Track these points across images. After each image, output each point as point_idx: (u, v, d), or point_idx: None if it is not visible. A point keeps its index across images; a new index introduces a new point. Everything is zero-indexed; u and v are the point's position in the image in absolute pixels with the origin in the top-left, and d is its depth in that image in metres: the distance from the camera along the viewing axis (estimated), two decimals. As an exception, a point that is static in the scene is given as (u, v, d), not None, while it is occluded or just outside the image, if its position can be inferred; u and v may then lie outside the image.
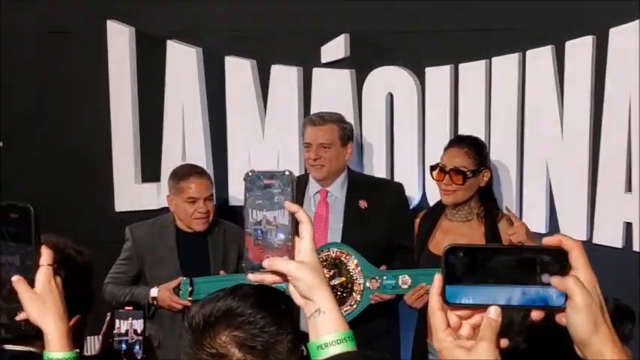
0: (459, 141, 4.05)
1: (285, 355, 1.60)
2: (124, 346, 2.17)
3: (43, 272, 1.57)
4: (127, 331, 2.18)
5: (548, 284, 1.25)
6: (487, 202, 4.01)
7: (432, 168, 4.04)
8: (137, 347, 2.17)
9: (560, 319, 1.26)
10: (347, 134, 4.21)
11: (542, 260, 1.26)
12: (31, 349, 1.90)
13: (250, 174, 1.49)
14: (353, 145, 4.27)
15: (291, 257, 1.45)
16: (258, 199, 1.44)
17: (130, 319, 2.19)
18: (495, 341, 1.27)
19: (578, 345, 1.26)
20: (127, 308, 2.25)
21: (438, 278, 1.30)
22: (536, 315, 1.27)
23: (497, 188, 4.33)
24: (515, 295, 1.27)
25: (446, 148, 4.03)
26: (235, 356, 1.57)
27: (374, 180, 4.41)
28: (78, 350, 1.61)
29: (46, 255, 1.57)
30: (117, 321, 2.21)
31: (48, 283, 1.57)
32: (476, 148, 3.99)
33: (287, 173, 1.48)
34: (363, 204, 4.15)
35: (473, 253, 1.29)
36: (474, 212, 4.01)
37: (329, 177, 4.18)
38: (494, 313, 1.27)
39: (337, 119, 4.22)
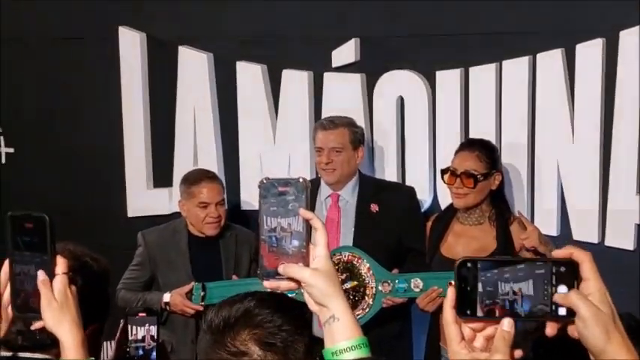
0: (469, 144, 4.06)
1: (302, 356, 1.63)
2: (140, 352, 2.18)
3: (59, 280, 1.58)
4: (143, 337, 2.19)
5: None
6: (499, 205, 4.02)
7: (443, 172, 4.05)
8: (154, 354, 2.18)
9: (573, 332, 1.28)
10: (358, 138, 4.22)
11: (553, 272, 1.28)
12: (47, 356, 1.92)
13: (265, 181, 1.50)
14: (364, 148, 4.28)
15: (306, 264, 1.46)
16: (273, 207, 1.45)
17: (147, 325, 2.20)
18: (509, 353, 1.29)
19: (592, 355, 1.27)
20: (140, 314, 2.25)
21: (451, 291, 1.32)
22: (550, 329, 1.29)
23: (508, 191, 4.33)
24: (527, 307, 1.29)
25: (457, 152, 4.04)
26: (256, 354, 1.59)
27: (385, 183, 4.43)
28: (93, 358, 1.62)
29: (61, 263, 1.59)
30: (132, 327, 2.22)
31: (64, 291, 1.58)
32: (487, 152, 3.99)
33: (301, 180, 1.49)
34: (374, 207, 4.16)
35: (485, 264, 1.31)
36: (485, 215, 4.01)
37: (341, 181, 4.19)
38: (507, 325, 1.29)
39: (348, 123, 4.23)
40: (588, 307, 1.25)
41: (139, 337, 2.18)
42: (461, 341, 1.32)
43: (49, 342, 1.58)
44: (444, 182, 4.04)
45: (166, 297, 4.09)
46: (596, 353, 1.26)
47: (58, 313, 1.57)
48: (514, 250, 3.91)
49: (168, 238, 4.31)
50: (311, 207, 4.28)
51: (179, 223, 4.36)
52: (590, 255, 1.29)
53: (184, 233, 4.30)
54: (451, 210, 4.09)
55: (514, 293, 1.30)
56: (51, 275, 1.58)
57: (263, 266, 1.46)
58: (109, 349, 3.94)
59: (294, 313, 1.66)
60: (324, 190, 4.25)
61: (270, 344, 1.60)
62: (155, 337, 2.19)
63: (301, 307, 1.63)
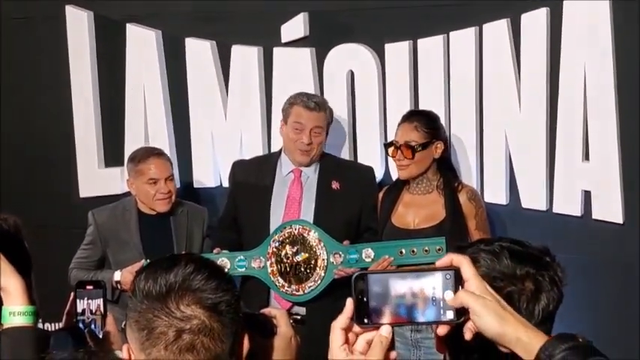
0: (408, 116, 4.10)
1: (234, 315, 1.63)
2: (81, 325, 2.17)
3: None
4: (83, 310, 2.19)
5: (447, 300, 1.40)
6: (446, 174, 4.06)
7: (387, 145, 4.11)
8: (93, 326, 2.18)
9: (466, 332, 1.40)
10: (330, 120, 4.25)
11: (440, 279, 1.41)
12: None
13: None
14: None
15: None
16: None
17: (86, 298, 2.20)
18: (384, 356, 1.40)
19: (497, 342, 1.40)
20: (87, 287, 2.25)
21: (349, 302, 1.41)
22: (441, 330, 1.41)
23: (457, 161, 4.38)
24: (419, 313, 1.40)
25: (398, 125, 4.09)
26: (203, 316, 1.60)
27: (346, 162, 4.46)
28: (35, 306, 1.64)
29: None
30: (80, 300, 2.22)
31: None
32: (426, 122, 4.03)
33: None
34: (335, 185, 4.18)
35: (379, 276, 1.42)
36: (433, 184, 4.06)
37: (314, 161, 4.20)
38: (385, 331, 1.41)
39: (328, 105, 4.25)
40: (475, 299, 1.38)
41: (79, 310, 2.18)
42: (342, 344, 1.42)
43: None
44: (388, 155, 4.09)
45: (117, 275, 4.11)
46: (498, 338, 1.39)
47: None
48: (463, 218, 3.96)
49: (118, 217, 4.31)
50: (271, 181, 4.30)
51: (128, 201, 4.36)
52: (467, 258, 1.42)
53: (134, 211, 4.30)
54: (401, 181, 4.13)
55: (406, 299, 1.40)
56: None
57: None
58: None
59: (223, 277, 1.66)
60: (286, 166, 4.23)
61: (213, 307, 1.61)
62: (94, 310, 2.18)
63: (224, 271, 1.70)
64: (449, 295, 1.39)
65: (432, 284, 1.40)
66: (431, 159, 4.03)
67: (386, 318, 1.40)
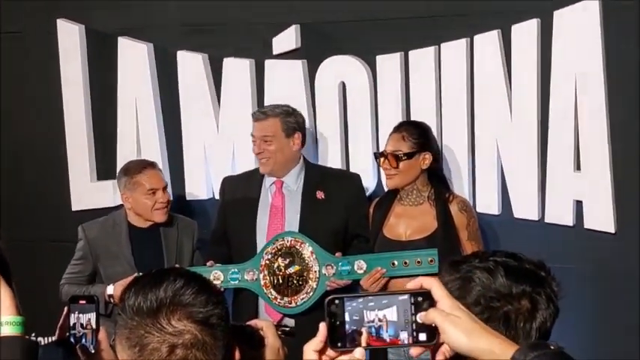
0: (398, 126, 4.12)
1: (225, 329, 1.65)
2: (72, 339, 2.17)
3: None
4: (74, 324, 2.19)
5: (420, 323, 1.41)
6: (436, 185, 4.06)
7: (376, 155, 4.13)
8: (84, 340, 2.17)
9: (438, 355, 1.42)
10: (292, 126, 4.22)
11: (411, 302, 1.42)
12: None
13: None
14: (301, 135, 4.27)
15: None
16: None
17: (77, 312, 2.20)
18: None
19: (472, 356, 1.39)
20: (80, 302, 2.24)
21: (322, 327, 1.42)
22: (414, 352, 1.42)
23: (449, 171, 4.39)
24: (393, 335, 1.41)
25: (389, 135, 4.10)
26: (194, 330, 1.60)
27: (331, 171, 4.44)
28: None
29: None
30: (72, 314, 2.22)
31: None
32: (414, 132, 4.04)
33: None
34: (320, 194, 4.18)
35: (352, 300, 1.42)
36: (424, 195, 4.06)
37: (277, 169, 4.21)
38: (359, 353, 1.41)
39: (280, 112, 4.24)
40: (444, 317, 1.39)
41: (71, 324, 2.18)
42: None
43: None
44: (379, 165, 4.11)
45: (109, 289, 4.11)
46: (469, 353, 1.39)
47: None
48: (454, 228, 3.96)
49: (108, 231, 4.31)
50: (257, 194, 4.32)
51: (118, 215, 4.37)
52: (437, 280, 1.43)
53: (124, 225, 4.30)
54: (393, 192, 4.13)
55: (379, 320, 1.41)
56: None
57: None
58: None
59: (212, 291, 1.67)
60: (269, 178, 4.27)
61: (204, 320, 1.62)
62: (85, 324, 2.18)
63: (213, 284, 1.71)
64: (418, 317, 1.40)
65: (405, 307, 1.41)
66: (418, 169, 4.03)
67: (359, 341, 1.40)
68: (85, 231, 4.32)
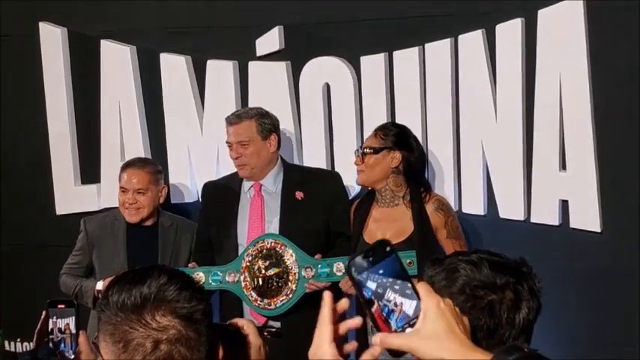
0: (379, 126, 4.11)
1: (207, 324, 1.65)
2: (50, 344, 2.15)
3: None
4: (52, 329, 2.16)
5: None
6: (413, 186, 4.03)
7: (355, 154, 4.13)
8: (62, 345, 2.15)
9: (365, 356, 1.42)
10: (267, 127, 4.21)
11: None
12: None
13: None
14: (277, 136, 4.25)
15: None
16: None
17: (56, 317, 2.18)
18: None
19: None
20: (59, 306, 2.22)
21: (327, 294, 1.43)
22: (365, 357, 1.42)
23: (434, 172, 4.38)
24: (400, 323, 1.39)
25: None
26: (179, 325, 1.61)
27: (310, 170, 4.42)
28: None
29: None
30: (51, 319, 2.20)
31: None
32: (387, 131, 4.04)
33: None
34: (299, 195, 4.17)
35: (381, 275, 1.40)
36: (398, 196, 4.03)
37: (255, 173, 4.20)
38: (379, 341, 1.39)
39: (254, 114, 4.23)
40: (409, 340, 1.37)
41: (50, 328, 2.15)
42: (332, 342, 1.42)
43: None
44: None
45: (99, 285, 4.18)
46: None
47: None
48: (431, 230, 3.95)
49: (107, 226, 4.39)
50: (237, 198, 4.32)
51: (119, 211, 4.42)
52: (426, 284, 1.42)
53: (123, 222, 4.38)
54: (371, 194, 4.12)
55: (395, 305, 1.39)
56: None
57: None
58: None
59: (196, 287, 1.68)
60: (247, 182, 4.26)
61: (188, 316, 1.62)
62: (63, 329, 2.15)
63: (196, 281, 1.70)
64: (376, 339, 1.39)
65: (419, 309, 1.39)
66: (386, 168, 4.00)
67: (372, 307, 1.39)
68: (85, 223, 4.43)
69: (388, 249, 1.41)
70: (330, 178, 4.32)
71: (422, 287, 1.41)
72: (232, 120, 4.22)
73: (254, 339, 1.90)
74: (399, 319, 1.39)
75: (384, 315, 1.39)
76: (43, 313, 2.24)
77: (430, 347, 1.36)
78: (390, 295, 1.39)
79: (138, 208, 4.29)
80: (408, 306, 1.39)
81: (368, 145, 4.02)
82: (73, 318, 2.21)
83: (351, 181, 4.38)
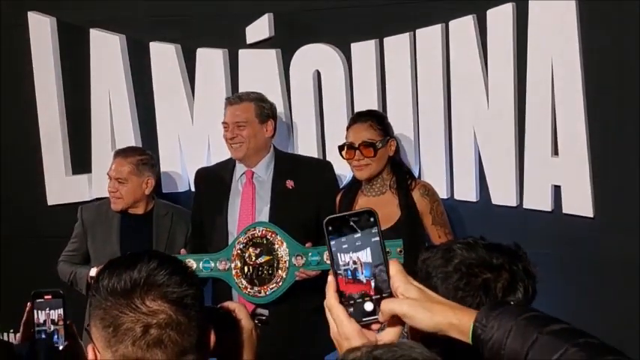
0: (359, 116, 4.10)
1: (199, 309, 1.65)
2: (43, 335, 2.14)
3: None
4: (44, 321, 2.16)
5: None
6: (398, 173, 4.03)
7: (340, 148, 4.07)
8: (56, 337, 2.15)
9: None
10: (265, 112, 4.22)
11: (382, 245, 1.42)
12: None
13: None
14: (274, 122, 4.25)
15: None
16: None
17: (48, 309, 2.17)
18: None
19: (437, 333, 1.38)
20: (46, 297, 2.21)
21: (331, 279, 1.41)
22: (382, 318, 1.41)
23: (426, 158, 4.36)
24: (367, 273, 1.40)
25: (349, 126, 4.09)
26: (169, 310, 1.61)
27: (301, 159, 4.42)
28: None
29: None
30: (35, 311, 2.19)
31: None
32: (377, 120, 4.04)
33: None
34: (290, 183, 4.16)
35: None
36: (386, 184, 4.03)
37: (249, 155, 4.18)
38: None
39: (254, 98, 4.24)
40: (399, 304, 1.38)
41: (41, 320, 2.15)
42: (350, 319, 1.40)
43: None
44: (343, 158, 4.06)
45: (92, 272, 4.21)
46: (435, 330, 1.38)
47: None
48: (418, 215, 3.95)
49: (102, 214, 4.42)
50: (228, 185, 4.31)
51: None
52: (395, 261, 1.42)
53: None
54: (356, 183, 4.11)
55: (354, 262, 1.39)
56: None
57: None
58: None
59: (186, 272, 1.68)
60: (239, 168, 4.25)
61: (178, 301, 1.62)
62: (56, 320, 2.15)
63: (186, 265, 1.71)
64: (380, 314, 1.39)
65: (377, 249, 1.40)
66: (387, 157, 4.02)
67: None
68: (82, 211, 4.47)
69: (372, 219, 1.40)
70: (321, 166, 4.31)
71: (394, 265, 1.41)
72: (233, 100, 4.25)
73: (246, 322, 1.90)
74: (365, 270, 1.39)
75: (350, 278, 1.39)
76: (28, 304, 2.23)
77: (422, 310, 1.37)
78: (344, 257, 1.39)
79: (118, 197, 4.32)
80: (365, 255, 1.39)
81: (371, 139, 3.97)
82: (61, 309, 2.20)
83: (342, 170, 4.36)
